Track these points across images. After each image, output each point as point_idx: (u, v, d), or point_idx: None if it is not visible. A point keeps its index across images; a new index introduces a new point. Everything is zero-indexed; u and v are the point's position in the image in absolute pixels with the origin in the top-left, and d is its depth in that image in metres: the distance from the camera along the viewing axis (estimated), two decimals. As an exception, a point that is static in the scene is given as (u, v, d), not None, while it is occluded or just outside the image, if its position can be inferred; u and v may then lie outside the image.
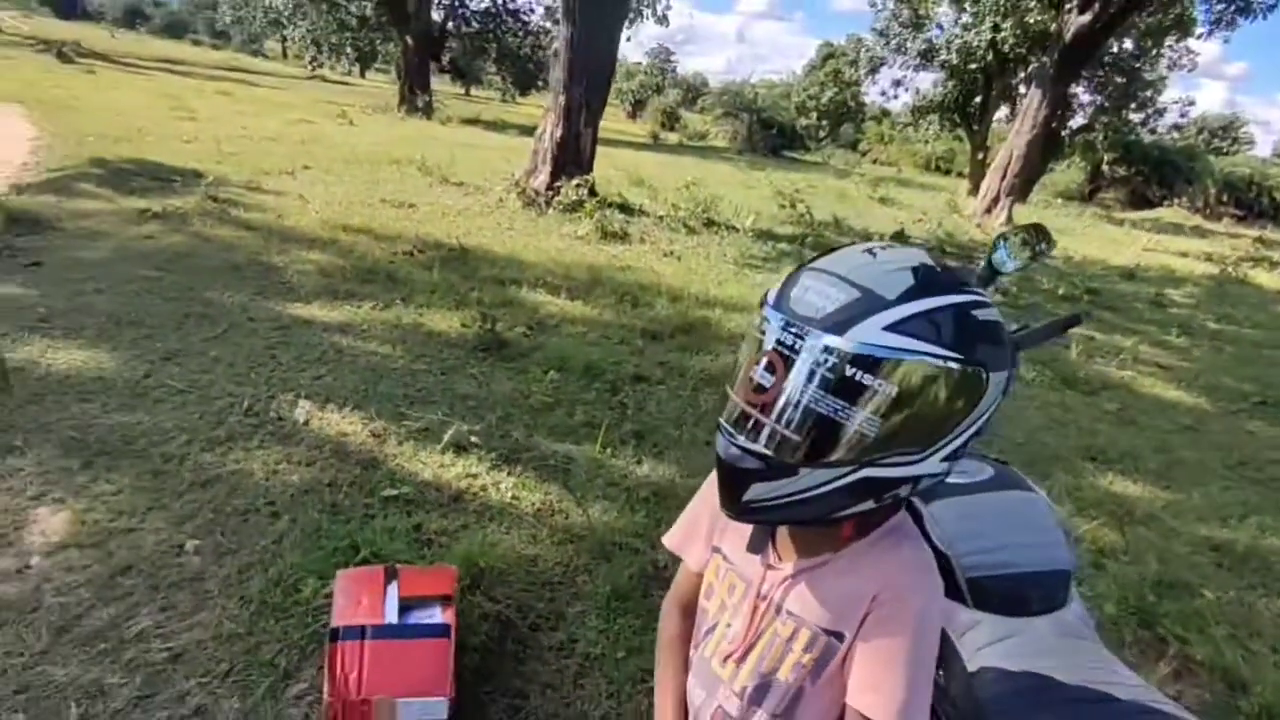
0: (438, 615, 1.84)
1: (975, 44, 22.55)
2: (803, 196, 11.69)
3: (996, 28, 20.21)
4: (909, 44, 25.61)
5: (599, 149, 10.61)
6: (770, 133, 33.95)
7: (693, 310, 6.14)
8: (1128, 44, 20.72)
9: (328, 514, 2.69)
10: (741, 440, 0.89)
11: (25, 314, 3.94)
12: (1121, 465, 4.39)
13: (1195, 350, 7.46)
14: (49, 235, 5.61)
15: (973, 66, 24.37)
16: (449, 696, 1.70)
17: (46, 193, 6.79)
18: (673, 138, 33.34)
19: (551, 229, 8.89)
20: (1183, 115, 30.45)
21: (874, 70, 29.38)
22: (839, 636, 0.98)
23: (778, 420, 0.86)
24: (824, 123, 38.14)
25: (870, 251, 0.91)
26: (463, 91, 45.02)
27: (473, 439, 3.30)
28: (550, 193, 9.81)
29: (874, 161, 39.98)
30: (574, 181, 9.70)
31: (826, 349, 0.83)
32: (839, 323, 0.83)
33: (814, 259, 0.93)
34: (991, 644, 1.37)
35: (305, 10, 26.96)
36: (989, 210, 15.32)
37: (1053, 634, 1.37)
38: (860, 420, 0.84)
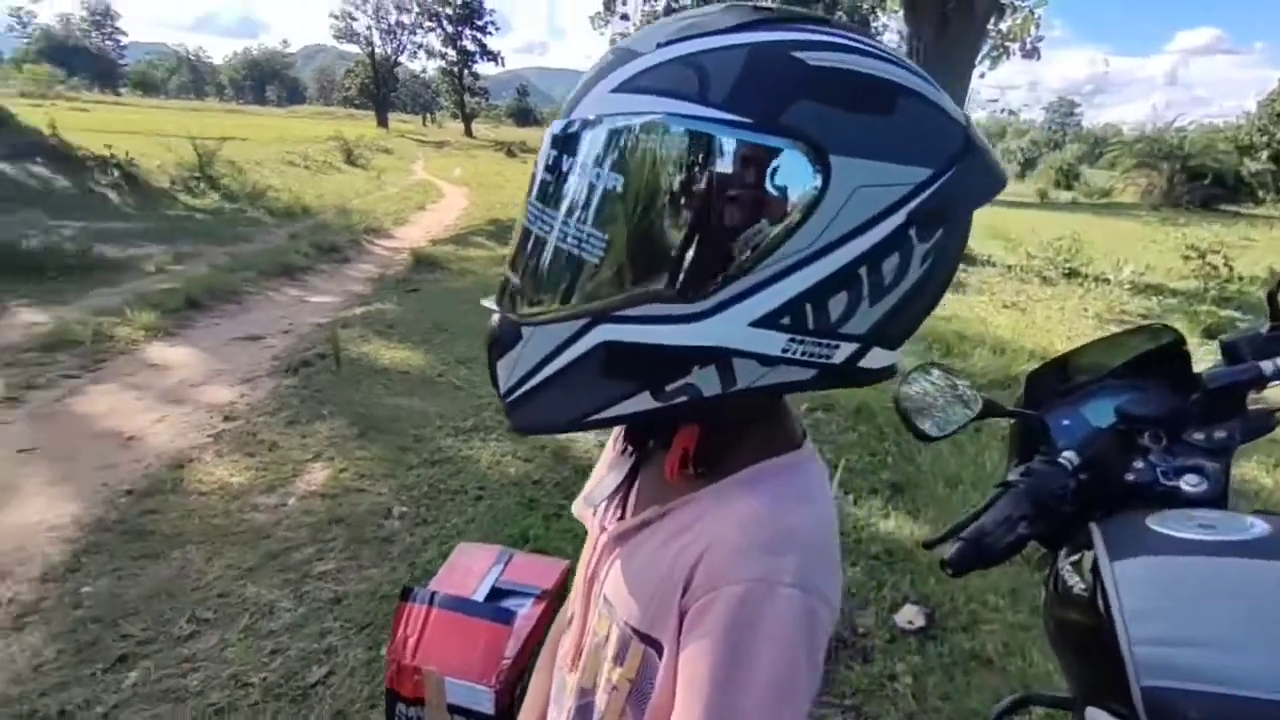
0: (524, 606, 1.69)
1: None
2: (1225, 250, 9.20)
3: None
4: None
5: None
6: (1200, 184, 28.01)
7: (1020, 364, 5.15)
8: None
9: (523, 506, 2.74)
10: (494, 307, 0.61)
11: (380, 322, 4.90)
12: None
13: None
14: (437, 272, 6.96)
15: None
16: (493, 688, 1.53)
17: (449, 244, 8.49)
18: (1065, 196, 29.58)
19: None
20: None
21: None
22: (658, 648, 0.59)
23: (509, 264, 0.59)
24: (1284, 168, 30.16)
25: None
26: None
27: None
28: (882, 243, 9.30)
29: (1370, 214, 30.42)
30: (909, 230, 9.06)
31: (552, 142, 0.54)
32: (572, 103, 0.54)
33: None
34: None
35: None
36: None
37: None
38: (576, 236, 0.52)
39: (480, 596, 1.72)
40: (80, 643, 1.95)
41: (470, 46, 50.23)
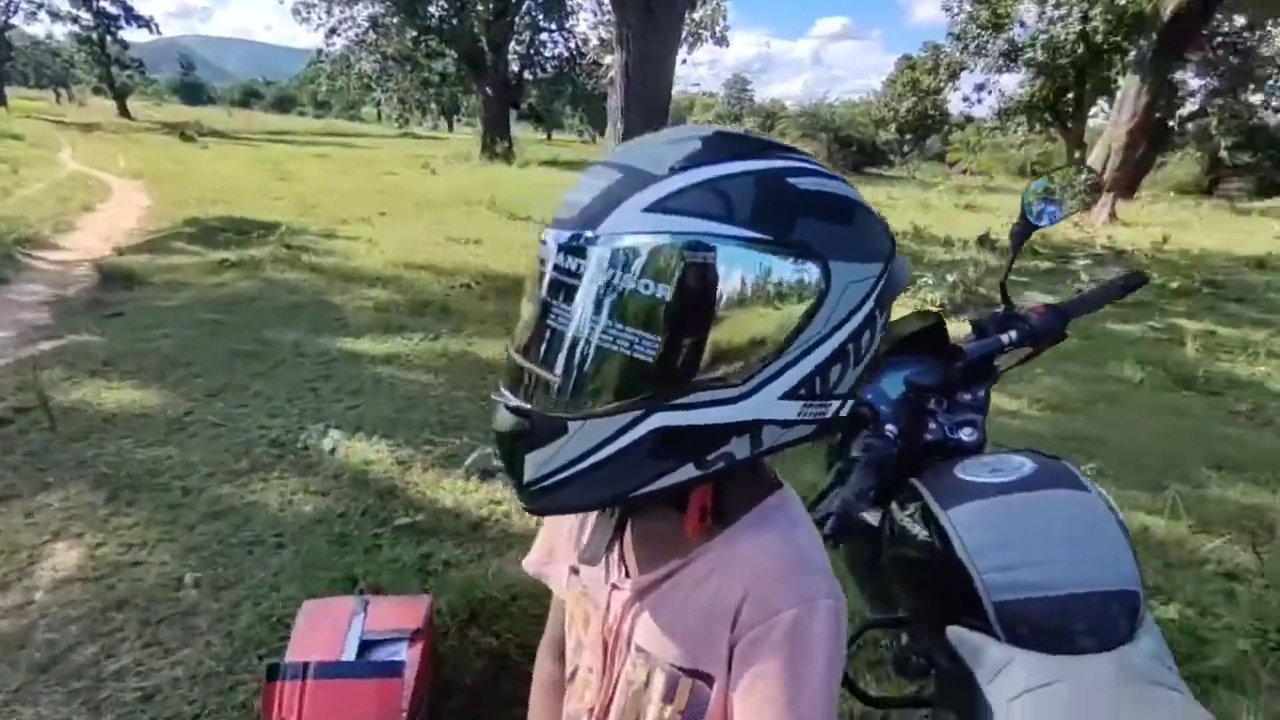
0: (400, 652, 1.64)
1: (1063, 37, 21.31)
2: (879, 209, 11.12)
3: (1086, 16, 19.02)
4: (989, 45, 24.51)
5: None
6: (850, 151, 33.32)
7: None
8: (1238, 19, 19.03)
9: (335, 544, 2.56)
10: (508, 399, 0.66)
11: (90, 359, 4.10)
12: (1255, 474, 3.76)
13: (1345, 341, 6.51)
14: (137, 289, 5.93)
15: (1062, 61, 23.03)
16: (396, 745, 1.49)
17: (143, 252, 7.25)
18: (748, 164, 33.41)
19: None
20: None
21: (954, 76, 28.37)
22: (707, 679, 0.70)
23: (535, 358, 0.64)
24: (907, 136, 36.99)
25: (659, 133, 0.68)
26: (544, 136, 46.54)
27: (497, 464, 3.13)
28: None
29: (964, 172, 38.32)
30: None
31: (573, 249, 0.61)
32: (592, 216, 0.61)
33: None
34: (1028, 692, 1.04)
35: (391, 72, 28.59)
36: (1088, 207, 14.25)
37: (1112, 678, 1.03)
38: (627, 339, 0.59)
39: (351, 655, 1.63)
40: None
41: (110, 8, 42.12)
